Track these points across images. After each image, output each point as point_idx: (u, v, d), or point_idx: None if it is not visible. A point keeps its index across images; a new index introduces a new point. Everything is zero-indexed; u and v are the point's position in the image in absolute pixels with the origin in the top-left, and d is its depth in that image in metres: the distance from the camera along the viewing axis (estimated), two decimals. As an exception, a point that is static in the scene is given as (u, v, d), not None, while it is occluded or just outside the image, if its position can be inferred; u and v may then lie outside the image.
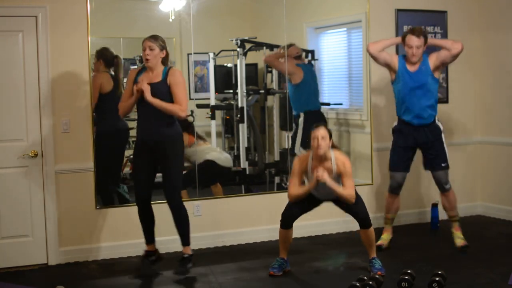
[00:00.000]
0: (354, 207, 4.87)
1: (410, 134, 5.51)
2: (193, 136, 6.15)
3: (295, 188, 4.88)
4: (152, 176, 4.97)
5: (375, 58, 5.58)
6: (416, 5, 6.53)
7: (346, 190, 4.79)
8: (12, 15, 5.17)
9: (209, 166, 6.13)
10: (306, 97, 6.49)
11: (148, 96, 4.73)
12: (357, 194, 4.90)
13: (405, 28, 6.31)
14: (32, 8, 5.19)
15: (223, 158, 6.36)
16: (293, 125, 6.50)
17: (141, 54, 6.22)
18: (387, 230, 5.71)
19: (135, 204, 5.13)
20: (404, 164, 5.58)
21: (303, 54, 6.60)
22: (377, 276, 4.58)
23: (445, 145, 5.58)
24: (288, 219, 4.92)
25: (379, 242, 5.55)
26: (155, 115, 4.79)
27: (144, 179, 4.94)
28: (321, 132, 4.73)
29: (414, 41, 5.37)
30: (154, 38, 4.86)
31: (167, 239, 5.59)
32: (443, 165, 5.55)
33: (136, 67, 6.19)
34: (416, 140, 5.51)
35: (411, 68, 5.46)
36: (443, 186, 5.58)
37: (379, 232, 5.75)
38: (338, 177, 4.82)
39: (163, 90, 4.79)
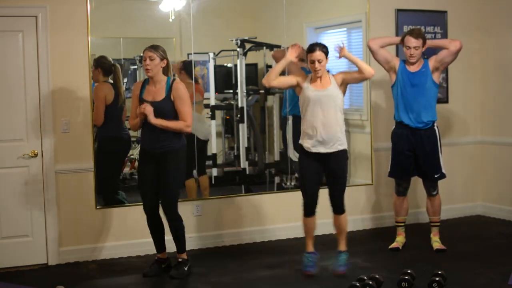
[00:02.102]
0: (339, 180, 4.89)
1: (408, 137, 5.50)
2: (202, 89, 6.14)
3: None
4: (157, 188, 4.92)
5: (374, 53, 5.60)
6: (416, 5, 6.53)
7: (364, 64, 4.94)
8: (12, 15, 5.17)
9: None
10: None
11: (152, 119, 4.72)
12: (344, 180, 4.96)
13: (405, 28, 6.31)
14: (32, 8, 5.18)
15: (202, 129, 6.19)
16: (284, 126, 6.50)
17: (141, 54, 6.24)
18: (401, 233, 5.69)
19: (135, 204, 5.12)
20: (407, 171, 5.58)
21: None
22: (377, 276, 4.56)
23: (440, 154, 5.55)
24: (310, 203, 4.92)
25: (394, 245, 5.58)
26: (159, 128, 4.77)
27: (150, 192, 4.92)
28: (317, 55, 4.77)
29: (412, 42, 5.40)
30: (154, 48, 4.81)
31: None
32: (436, 176, 5.55)
33: (136, 67, 6.21)
34: (413, 144, 5.50)
35: (411, 69, 5.48)
36: (430, 192, 5.61)
37: (379, 232, 5.76)
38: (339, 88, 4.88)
39: (167, 108, 4.77)
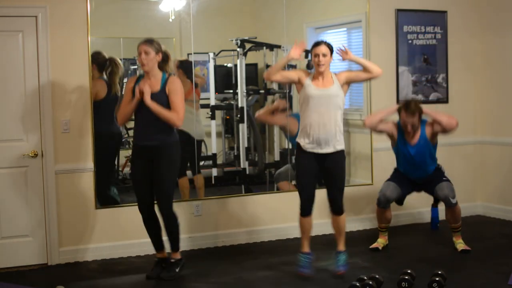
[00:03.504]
0: (337, 180, 4.85)
1: (413, 179, 5.63)
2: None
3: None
4: (151, 186, 4.89)
5: (373, 131, 5.68)
6: (416, 5, 6.53)
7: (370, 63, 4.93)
8: (12, 15, 5.17)
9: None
10: None
11: (148, 99, 4.68)
12: (343, 178, 4.93)
13: (405, 28, 6.34)
14: (32, 8, 5.19)
15: (197, 129, 6.14)
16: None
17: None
18: (383, 236, 5.69)
19: (134, 204, 5.11)
20: (400, 183, 5.59)
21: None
22: (377, 276, 4.56)
23: (449, 179, 5.57)
24: (307, 203, 4.87)
25: (374, 245, 5.60)
26: (153, 121, 4.72)
27: (144, 191, 4.89)
28: (322, 49, 4.72)
29: (409, 119, 5.35)
30: (149, 41, 4.78)
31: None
32: (444, 178, 5.55)
33: (136, 67, 6.21)
34: (419, 185, 5.64)
35: (410, 141, 5.46)
36: (449, 201, 5.44)
37: (378, 232, 5.76)
38: (341, 88, 4.80)
39: (162, 99, 4.73)
